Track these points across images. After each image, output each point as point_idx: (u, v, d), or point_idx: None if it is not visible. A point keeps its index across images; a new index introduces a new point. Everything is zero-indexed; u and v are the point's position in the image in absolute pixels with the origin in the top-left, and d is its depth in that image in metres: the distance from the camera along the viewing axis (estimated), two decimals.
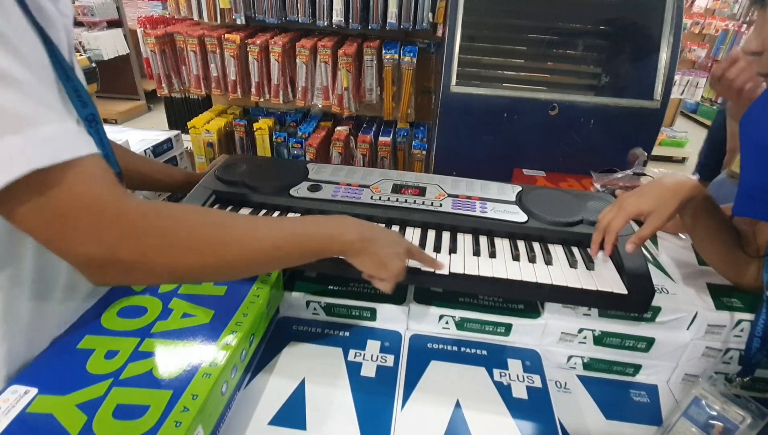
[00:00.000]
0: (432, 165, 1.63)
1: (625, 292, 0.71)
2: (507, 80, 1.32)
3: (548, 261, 0.77)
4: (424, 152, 1.79)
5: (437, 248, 0.79)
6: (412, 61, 1.61)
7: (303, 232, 0.61)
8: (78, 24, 4.24)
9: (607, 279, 0.74)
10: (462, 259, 0.76)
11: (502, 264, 0.76)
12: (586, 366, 0.84)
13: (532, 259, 0.77)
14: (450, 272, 0.74)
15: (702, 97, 4.84)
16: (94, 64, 2.56)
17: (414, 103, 1.73)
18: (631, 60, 1.29)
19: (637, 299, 0.71)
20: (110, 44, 4.24)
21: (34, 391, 0.54)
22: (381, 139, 1.78)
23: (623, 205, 0.74)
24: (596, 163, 1.37)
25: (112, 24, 4.32)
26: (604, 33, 1.30)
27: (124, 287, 0.74)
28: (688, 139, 4.20)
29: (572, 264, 0.77)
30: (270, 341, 0.80)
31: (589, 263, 0.77)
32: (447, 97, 1.29)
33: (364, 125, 1.90)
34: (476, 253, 0.78)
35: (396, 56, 1.61)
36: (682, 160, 4.21)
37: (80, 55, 2.71)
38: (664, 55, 1.25)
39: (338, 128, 1.82)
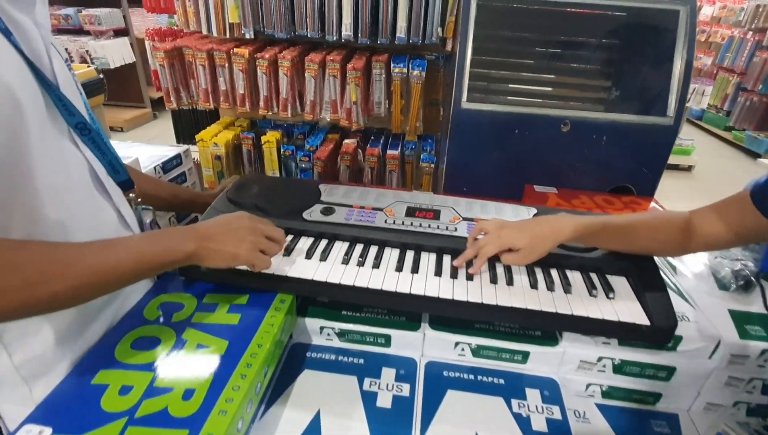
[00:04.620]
0: (442, 179, 1.62)
1: (648, 322, 0.70)
2: (518, 96, 1.31)
3: (567, 290, 0.75)
4: (432, 165, 1.78)
5: (454, 275, 0.78)
6: (421, 75, 1.60)
7: (140, 252, 0.62)
8: (85, 33, 4.27)
9: (628, 309, 0.72)
10: (479, 288, 0.75)
11: (521, 293, 0.74)
12: (605, 394, 0.82)
13: (550, 288, 0.76)
14: (467, 301, 0.72)
15: (708, 104, 4.83)
16: (101, 75, 2.56)
17: (422, 115, 1.72)
18: (644, 75, 1.28)
19: (659, 330, 0.70)
20: (117, 53, 4.26)
21: (48, 431, 0.53)
22: (389, 152, 1.77)
23: (501, 235, 0.77)
24: (609, 180, 1.36)
25: (119, 33, 4.34)
26: (615, 48, 1.29)
27: (137, 315, 0.73)
28: (694, 146, 4.18)
29: (592, 292, 0.75)
30: (284, 369, 0.79)
31: (609, 292, 0.75)
32: (458, 113, 1.28)
33: (372, 138, 1.89)
34: (493, 280, 0.77)
35: (405, 70, 1.60)
36: (689, 168, 4.18)
37: (87, 66, 2.71)
38: (677, 70, 1.24)
39: (346, 141, 1.81)
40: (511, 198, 1.30)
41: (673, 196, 3.67)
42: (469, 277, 0.77)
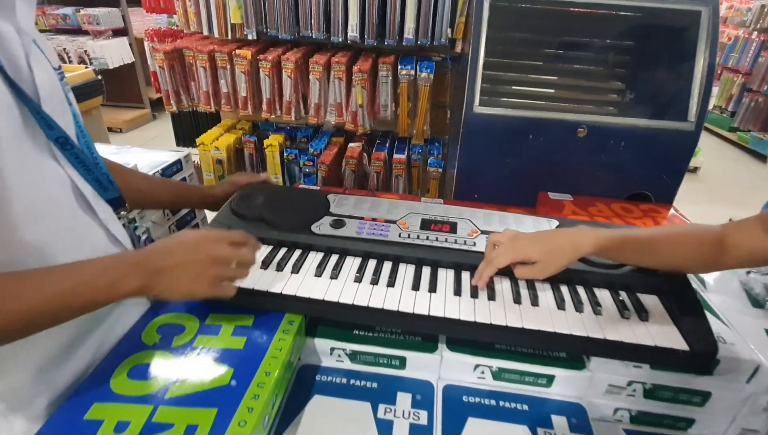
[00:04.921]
0: (450, 184, 1.57)
1: (686, 347, 0.65)
2: (533, 99, 1.26)
3: (597, 311, 0.70)
4: (440, 170, 1.73)
5: (474, 294, 0.73)
6: (429, 78, 1.55)
7: (74, 292, 0.55)
8: (83, 33, 4.22)
9: (663, 332, 0.67)
10: (502, 309, 0.70)
11: (547, 314, 0.69)
12: (634, 419, 0.77)
13: (579, 309, 0.71)
14: (491, 323, 0.67)
15: (713, 105, 4.78)
16: (99, 77, 2.51)
17: (429, 119, 1.68)
18: (664, 79, 1.23)
19: (698, 356, 0.65)
20: (115, 53, 4.20)
21: None
22: (395, 156, 1.73)
23: (516, 245, 0.72)
24: (626, 187, 1.31)
25: (118, 32, 4.29)
26: (634, 50, 1.24)
27: (135, 340, 0.68)
28: (699, 148, 4.13)
29: (623, 313, 0.70)
30: (292, 394, 0.73)
31: (642, 313, 0.70)
32: (470, 117, 1.23)
33: (378, 141, 1.84)
34: (517, 300, 0.72)
35: (412, 72, 1.56)
36: (694, 170, 4.14)
37: (86, 66, 2.66)
38: (698, 74, 1.19)
39: (351, 145, 1.76)
40: (524, 205, 1.26)
41: (680, 199, 3.62)
42: (492, 297, 0.72)
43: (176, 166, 1.32)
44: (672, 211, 1.25)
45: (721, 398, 0.73)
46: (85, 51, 4.12)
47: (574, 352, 0.74)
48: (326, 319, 0.81)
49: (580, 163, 1.27)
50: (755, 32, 4.81)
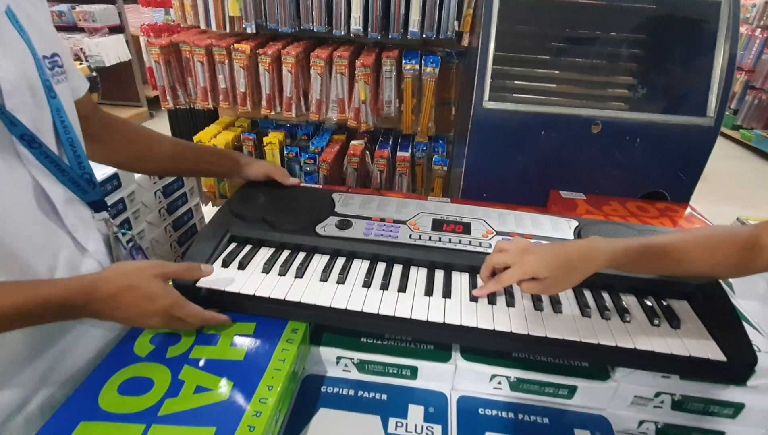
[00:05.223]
0: (455, 182, 1.52)
1: (723, 358, 0.60)
2: (544, 94, 1.21)
3: (625, 318, 0.65)
4: (445, 168, 1.68)
5: (492, 301, 0.68)
6: (435, 72, 1.50)
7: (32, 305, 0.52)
8: (79, 30, 4.15)
9: (697, 341, 0.62)
10: (523, 316, 0.65)
11: (571, 322, 0.64)
12: (660, 432, 0.72)
13: (605, 316, 0.66)
14: (511, 332, 0.62)
15: None
16: (94, 73, 2.45)
17: (433, 115, 1.63)
18: (681, 72, 1.18)
19: (736, 367, 0.60)
20: (112, 50, 4.13)
21: None
22: (399, 154, 1.67)
23: (523, 262, 0.65)
24: (641, 185, 1.26)
25: (114, 30, 4.22)
26: (650, 43, 1.19)
27: (127, 351, 0.62)
28: None
29: (653, 321, 0.65)
30: (296, 407, 0.68)
31: (674, 320, 0.65)
32: (479, 113, 1.18)
33: (381, 139, 1.79)
34: (537, 307, 0.67)
35: (417, 67, 1.50)
36: None
37: (80, 63, 2.61)
38: (718, 67, 1.14)
39: (353, 142, 1.71)
40: (535, 204, 1.21)
41: None
42: (510, 304, 0.67)
43: (177, 182, 1.27)
44: (689, 210, 1.20)
45: (756, 410, 0.68)
46: (81, 49, 4.05)
47: (601, 363, 0.69)
48: (332, 326, 0.76)
49: (594, 160, 1.22)
50: (759, 29, 4.76)
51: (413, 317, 0.65)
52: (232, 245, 0.77)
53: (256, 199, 0.84)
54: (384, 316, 0.65)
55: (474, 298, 0.68)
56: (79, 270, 0.64)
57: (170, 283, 0.63)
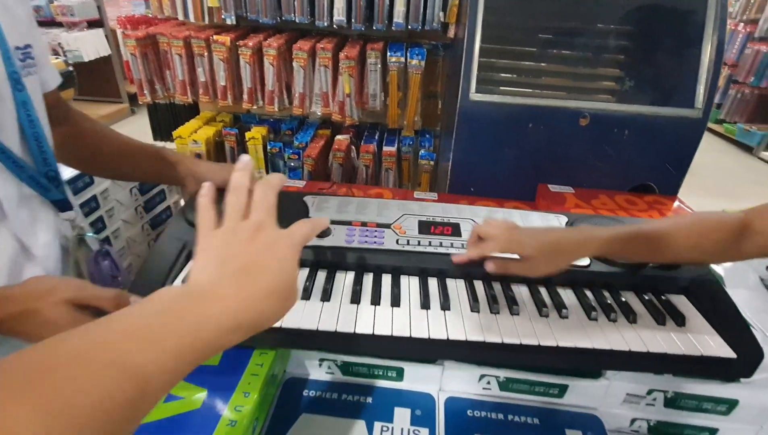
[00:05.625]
0: (442, 176, 1.49)
1: (734, 355, 0.58)
2: (532, 87, 1.19)
3: (632, 319, 0.63)
4: (432, 162, 1.65)
5: (494, 309, 0.64)
6: (420, 65, 1.47)
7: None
8: (57, 24, 4.03)
9: (707, 340, 0.60)
10: (529, 323, 0.62)
11: (579, 327, 0.61)
12: (652, 430, 0.71)
13: (612, 318, 0.63)
14: (520, 344, 0.59)
15: None
16: (71, 68, 2.37)
17: (420, 109, 1.60)
18: (669, 63, 1.16)
19: (744, 363, 0.58)
20: (91, 45, 4.02)
21: None
22: (385, 148, 1.64)
23: (510, 238, 0.63)
24: (629, 178, 1.25)
25: (93, 24, 4.11)
26: (639, 34, 1.18)
27: None
28: None
29: (659, 320, 0.63)
30: (276, 413, 0.65)
31: (678, 318, 0.63)
32: (465, 105, 1.15)
33: (366, 133, 1.75)
34: (542, 313, 0.64)
35: (402, 59, 1.47)
36: None
37: (56, 58, 2.52)
38: (705, 57, 1.12)
39: (338, 137, 1.67)
40: (523, 198, 1.19)
41: None
42: (514, 311, 0.64)
43: (160, 196, 1.22)
44: (677, 202, 1.19)
45: (749, 406, 0.67)
46: (59, 44, 3.93)
47: (615, 369, 0.66)
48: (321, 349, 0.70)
49: (582, 153, 1.20)
50: (741, 24, 4.81)
51: (413, 335, 0.60)
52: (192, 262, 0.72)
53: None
54: (380, 335, 0.60)
55: (476, 308, 0.65)
56: (21, 276, 0.58)
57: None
